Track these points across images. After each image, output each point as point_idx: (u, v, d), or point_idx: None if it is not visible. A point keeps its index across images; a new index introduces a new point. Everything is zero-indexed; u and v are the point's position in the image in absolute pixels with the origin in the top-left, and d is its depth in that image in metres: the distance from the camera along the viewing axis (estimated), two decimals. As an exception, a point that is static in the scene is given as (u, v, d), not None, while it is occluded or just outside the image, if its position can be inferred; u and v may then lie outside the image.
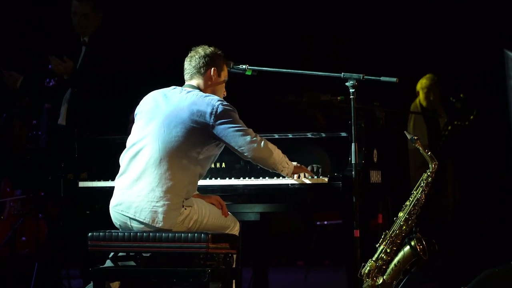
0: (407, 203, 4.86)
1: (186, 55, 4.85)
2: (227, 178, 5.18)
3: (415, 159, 5.88)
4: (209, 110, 4.64)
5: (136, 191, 4.62)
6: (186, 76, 4.85)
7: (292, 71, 5.09)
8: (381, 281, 4.79)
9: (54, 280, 6.60)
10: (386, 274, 4.81)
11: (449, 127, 7.50)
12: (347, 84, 4.86)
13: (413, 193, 4.86)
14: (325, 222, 7.89)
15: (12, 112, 7.01)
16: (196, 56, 4.81)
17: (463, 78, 7.95)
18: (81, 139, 5.50)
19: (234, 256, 4.72)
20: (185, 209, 4.63)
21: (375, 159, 5.17)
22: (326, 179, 4.94)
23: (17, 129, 7.01)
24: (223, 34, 7.76)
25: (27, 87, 6.53)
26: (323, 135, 5.18)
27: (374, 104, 5.59)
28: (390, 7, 8.22)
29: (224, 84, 4.87)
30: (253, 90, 5.61)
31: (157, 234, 4.53)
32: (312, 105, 5.70)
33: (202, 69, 4.80)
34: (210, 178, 5.18)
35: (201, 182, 5.00)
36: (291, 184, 4.96)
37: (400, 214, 4.85)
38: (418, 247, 4.76)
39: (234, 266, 4.74)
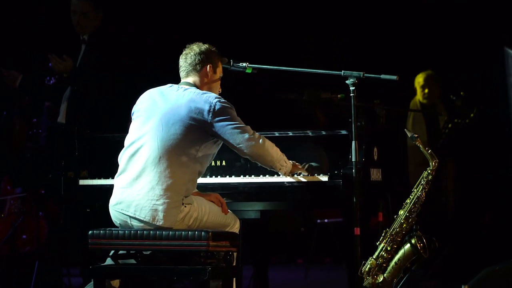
0: (408, 201, 4.86)
1: (186, 55, 4.85)
2: (227, 176, 5.18)
3: (415, 157, 5.89)
4: (206, 107, 4.64)
5: (136, 189, 4.62)
6: (182, 74, 4.84)
7: (293, 69, 5.09)
8: (381, 279, 4.79)
9: (55, 278, 6.60)
10: (387, 272, 4.81)
11: (450, 125, 7.50)
12: (347, 82, 4.86)
13: (414, 191, 4.86)
14: (326, 220, 7.90)
15: (12, 110, 7.01)
16: (192, 53, 4.81)
17: (463, 76, 7.95)
18: (81, 137, 5.50)
19: (235, 254, 4.72)
20: (185, 206, 4.63)
21: (376, 157, 5.17)
22: (326, 177, 4.94)
23: (17, 128, 7.01)
24: (223, 32, 7.77)
25: (27, 86, 6.53)
26: (323, 133, 5.18)
27: (374, 102, 5.58)
28: (390, 5, 8.22)
29: (219, 81, 4.87)
30: (254, 88, 5.61)
31: (157, 232, 4.53)
32: (312, 103, 5.70)
33: (198, 66, 4.79)
34: (211, 176, 5.18)
35: (202, 180, 5.00)
36: (292, 182, 4.96)
37: (401, 212, 4.85)
38: (418, 245, 4.76)
39: (234, 264, 4.74)
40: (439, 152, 6.49)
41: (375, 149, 5.17)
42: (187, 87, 4.76)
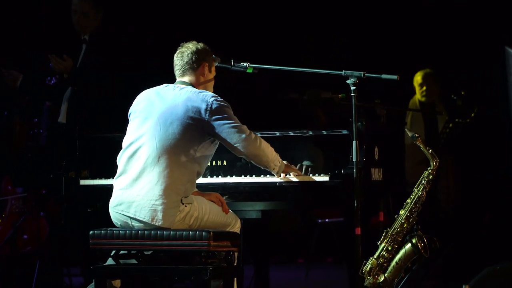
0: (408, 200, 4.86)
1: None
2: (228, 176, 5.18)
3: (414, 156, 5.89)
4: (203, 106, 4.64)
5: (136, 190, 4.62)
6: (177, 72, 4.83)
7: (293, 69, 5.09)
8: (382, 278, 4.79)
9: (55, 278, 6.61)
10: (388, 271, 4.81)
11: (450, 125, 7.50)
12: (348, 81, 4.86)
13: (414, 190, 4.86)
14: (327, 220, 7.90)
15: (12, 110, 7.01)
16: (188, 52, 4.80)
17: (464, 75, 7.94)
18: (82, 137, 5.51)
19: (236, 254, 4.72)
20: (185, 206, 4.62)
21: (376, 157, 5.17)
22: (327, 177, 4.94)
23: (18, 128, 7.01)
24: (224, 32, 7.76)
25: (27, 86, 6.53)
26: (324, 132, 5.18)
27: (375, 102, 5.59)
28: (391, 5, 8.21)
29: (213, 81, 4.87)
30: (255, 88, 5.61)
31: (158, 232, 4.52)
32: (313, 103, 5.70)
33: (194, 64, 4.79)
34: (211, 176, 5.18)
35: (203, 180, 5.00)
36: (292, 182, 4.96)
37: (401, 211, 4.85)
38: (419, 245, 4.76)
39: (235, 264, 4.74)
40: (440, 151, 6.51)
41: (376, 149, 5.17)
42: (184, 86, 4.76)
